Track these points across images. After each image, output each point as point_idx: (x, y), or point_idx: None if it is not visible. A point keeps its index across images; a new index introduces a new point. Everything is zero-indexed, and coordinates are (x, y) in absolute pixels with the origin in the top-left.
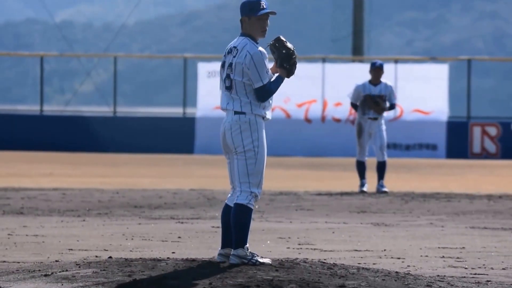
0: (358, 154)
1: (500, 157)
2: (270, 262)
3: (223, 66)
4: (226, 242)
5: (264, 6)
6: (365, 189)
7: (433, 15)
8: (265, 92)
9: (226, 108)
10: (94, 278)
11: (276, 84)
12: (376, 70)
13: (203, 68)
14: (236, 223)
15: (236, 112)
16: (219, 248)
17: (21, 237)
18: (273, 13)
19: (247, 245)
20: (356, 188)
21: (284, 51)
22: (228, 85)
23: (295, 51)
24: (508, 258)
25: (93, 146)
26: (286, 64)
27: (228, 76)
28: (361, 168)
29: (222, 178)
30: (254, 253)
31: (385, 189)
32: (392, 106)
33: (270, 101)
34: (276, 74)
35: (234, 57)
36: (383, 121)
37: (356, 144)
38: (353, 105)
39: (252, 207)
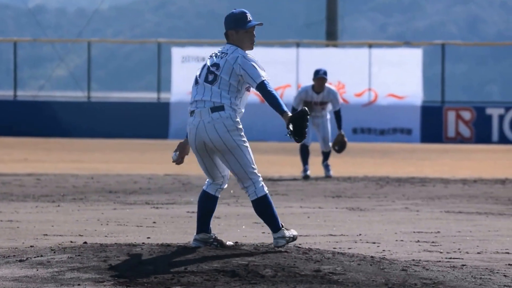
0: None
1: (475, 141)
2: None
3: (204, 66)
4: (202, 227)
5: (250, 18)
6: (308, 173)
7: (406, 0)
8: (268, 89)
9: (201, 99)
10: (69, 264)
11: (276, 100)
12: (320, 79)
13: (177, 53)
14: (263, 215)
15: (214, 109)
16: (195, 234)
17: None
18: (261, 24)
19: (281, 224)
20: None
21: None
22: (211, 79)
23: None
24: (483, 242)
25: (67, 132)
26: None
27: (212, 72)
28: (304, 153)
29: (197, 163)
30: (289, 230)
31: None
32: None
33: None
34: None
35: (222, 58)
36: (328, 115)
37: None
38: (294, 110)
39: (267, 191)
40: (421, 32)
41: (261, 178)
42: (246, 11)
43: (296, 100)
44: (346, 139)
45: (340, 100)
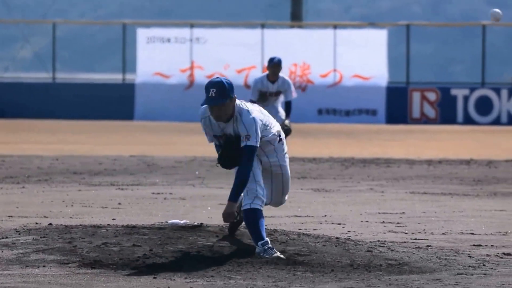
0: None
1: (439, 122)
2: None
3: None
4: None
5: (213, 95)
6: None
7: None
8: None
9: None
10: (34, 245)
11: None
12: (274, 67)
13: (143, 34)
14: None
15: None
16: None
17: None
18: (212, 107)
19: (262, 241)
20: (294, 154)
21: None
22: None
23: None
24: (448, 223)
25: (32, 113)
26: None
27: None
28: None
29: (162, 144)
30: (268, 249)
31: None
32: (288, 105)
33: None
34: None
35: None
36: (279, 105)
37: None
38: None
39: (250, 207)
40: (386, 13)
41: (254, 190)
42: (211, 84)
43: (254, 92)
44: (290, 125)
45: (294, 93)
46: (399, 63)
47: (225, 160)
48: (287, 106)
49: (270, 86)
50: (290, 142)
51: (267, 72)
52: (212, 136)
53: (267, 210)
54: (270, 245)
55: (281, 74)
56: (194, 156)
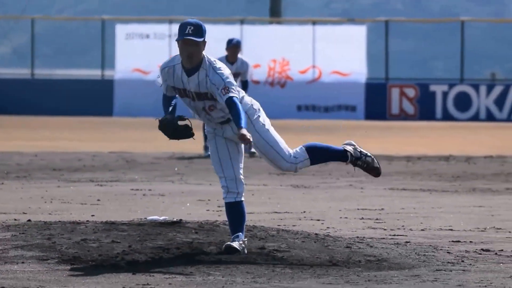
0: None
1: (418, 118)
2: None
3: None
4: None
5: (190, 32)
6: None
7: None
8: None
9: None
10: (13, 241)
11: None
12: (233, 48)
13: (121, 30)
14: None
15: None
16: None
17: None
18: (188, 40)
19: (233, 235)
20: None
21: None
22: None
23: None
24: (427, 219)
25: (11, 109)
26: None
27: None
28: None
29: (141, 141)
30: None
31: (253, 150)
32: (244, 84)
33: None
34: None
35: None
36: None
37: None
38: None
39: (225, 201)
40: (366, 8)
41: (224, 186)
42: (188, 22)
43: None
44: None
45: (250, 74)
46: (378, 59)
47: (164, 129)
48: (244, 85)
49: (229, 66)
50: None
51: (226, 53)
52: (170, 87)
53: (246, 207)
54: (239, 238)
55: (239, 55)
56: (173, 152)
